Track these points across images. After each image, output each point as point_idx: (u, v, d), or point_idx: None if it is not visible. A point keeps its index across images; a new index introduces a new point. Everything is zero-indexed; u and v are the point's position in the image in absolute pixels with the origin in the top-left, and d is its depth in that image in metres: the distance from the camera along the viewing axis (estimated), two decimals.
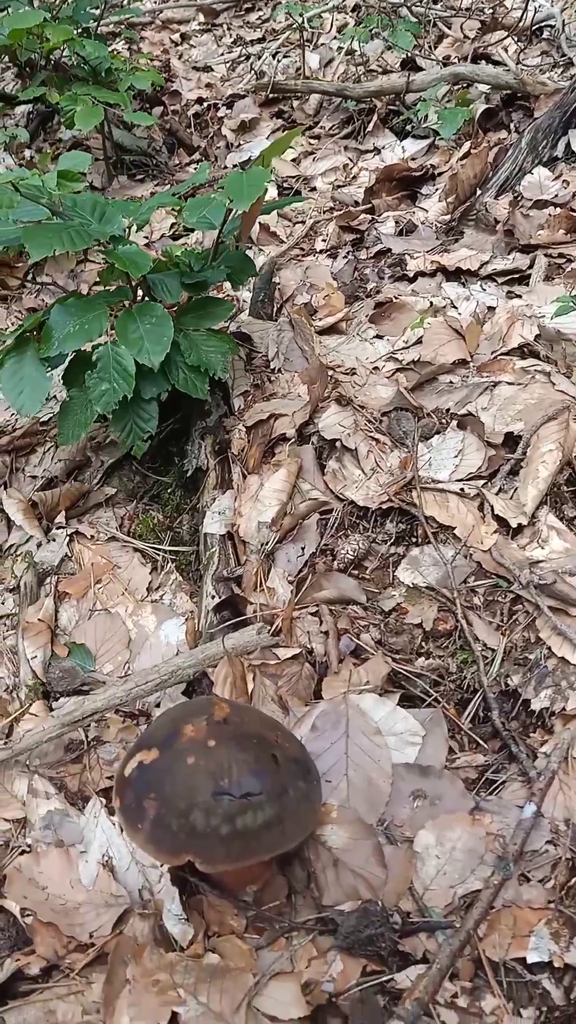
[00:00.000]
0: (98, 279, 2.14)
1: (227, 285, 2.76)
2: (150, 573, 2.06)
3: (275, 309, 2.55)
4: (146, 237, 3.34)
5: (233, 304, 2.05)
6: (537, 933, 1.34)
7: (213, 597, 1.85)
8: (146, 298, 2.01)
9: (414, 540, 1.88)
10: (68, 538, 2.15)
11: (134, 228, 2.06)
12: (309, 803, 1.34)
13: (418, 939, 1.35)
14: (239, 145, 3.89)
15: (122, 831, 1.48)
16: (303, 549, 1.91)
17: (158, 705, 1.79)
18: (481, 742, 1.59)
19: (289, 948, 1.35)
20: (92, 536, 2.14)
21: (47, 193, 1.89)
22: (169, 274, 2.01)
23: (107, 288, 2.03)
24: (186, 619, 1.94)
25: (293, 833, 1.30)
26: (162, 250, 2.15)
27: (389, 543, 1.88)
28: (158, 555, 2.10)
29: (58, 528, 2.18)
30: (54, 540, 2.16)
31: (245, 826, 1.24)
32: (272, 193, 3.22)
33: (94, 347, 1.93)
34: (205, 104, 4.37)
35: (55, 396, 2.56)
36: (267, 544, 1.91)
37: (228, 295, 2.75)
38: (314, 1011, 1.25)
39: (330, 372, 2.23)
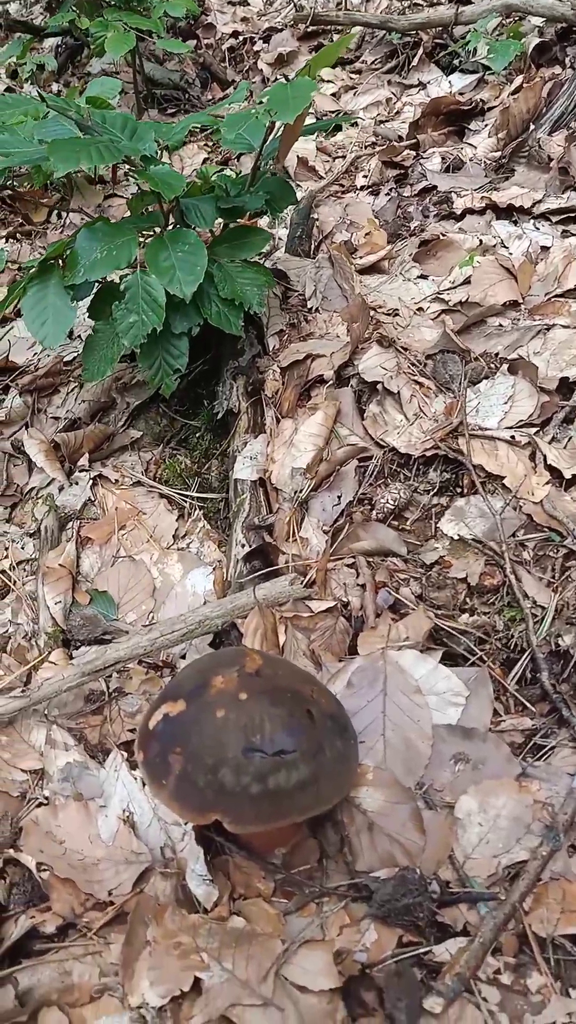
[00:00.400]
0: (127, 213, 2.01)
1: (263, 222, 2.62)
2: (176, 520, 1.96)
3: (313, 246, 2.41)
4: None
5: (271, 234, 1.92)
6: None
7: (243, 546, 1.75)
8: (178, 225, 1.87)
9: (459, 490, 1.76)
10: (91, 482, 2.05)
11: (166, 151, 1.93)
12: (346, 763, 1.25)
13: (458, 910, 1.26)
14: (276, 80, 3.69)
15: (144, 786, 1.40)
16: (339, 498, 1.80)
17: (183, 656, 1.70)
18: (528, 705, 1.49)
19: (319, 915, 1.27)
20: (116, 480, 2.04)
21: (75, 107, 1.76)
22: (203, 199, 1.87)
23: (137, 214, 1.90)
24: (214, 568, 1.84)
25: (328, 794, 1.21)
26: (195, 172, 2.01)
27: (432, 493, 1.76)
28: (185, 502, 2.00)
29: (81, 471, 2.08)
30: (77, 483, 2.06)
31: (278, 786, 1.15)
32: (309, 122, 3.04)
33: (122, 277, 1.81)
34: (240, 38, 4.17)
35: (79, 336, 2.45)
36: (301, 492, 1.80)
37: None
38: (346, 983, 1.17)
39: (371, 313, 2.09)
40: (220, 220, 1.95)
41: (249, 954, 1.21)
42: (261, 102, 1.72)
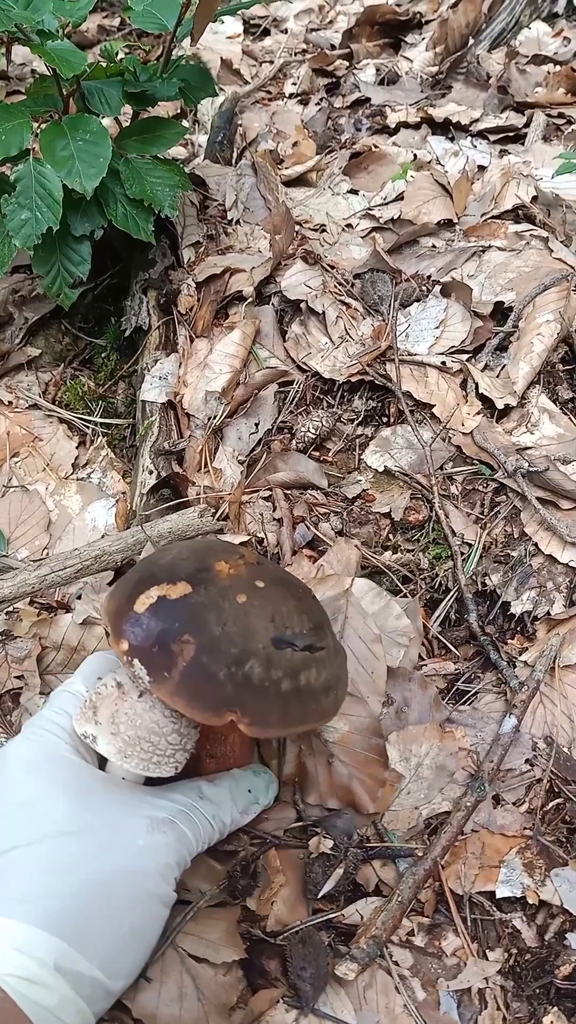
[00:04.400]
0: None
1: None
2: (77, 447, 1.77)
3: (235, 154, 2.20)
4: None
5: (185, 127, 1.71)
6: (508, 864, 1.16)
7: (151, 473, 1.58)
8: (80, 112, 1.65)
9: (385, 420, 1.63)
10: None
11: (68, 29, 1.69)
12: (345, 668, 1.11)
13: (370, 867, 1.16)
14: None
15: None
16: (257, 425, 1.65)
17: (79, 597, 1.53)
18: (452, 648, 1.39)
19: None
20: (10, 402, 1.83)
21: None
22: (109, 82, 1.65)
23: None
24: (117, 501, 1.67)
25: (342, 699, 1.05)
26: (99, 50, 1.78)
27: (356, 422, 1.63)
28: (87, 428, 1.81)
29: None
30: None
31: (308, 684, 0.96)
32: (237, 28, 2.80)
33: (13, 167, 1.59)
34: None
35: None
36: (215, 418, 1.64)
37: (185, 140, 2.38)
38: (249, 949, 1.06)
39: (297, 227, 1.92)
40: (130, 110, 1.74)
41: None
42: None
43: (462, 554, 1.42)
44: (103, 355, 1.89)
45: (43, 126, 1.59)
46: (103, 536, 1.55)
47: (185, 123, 2.37)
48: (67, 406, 1.84)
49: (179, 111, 2.34)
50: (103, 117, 1.64)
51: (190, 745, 0.95)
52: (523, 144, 2.18)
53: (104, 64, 1.66)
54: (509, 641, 1.39)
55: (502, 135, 2.21)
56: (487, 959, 1.09)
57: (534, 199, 1.93)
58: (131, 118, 1.75)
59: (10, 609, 1.48)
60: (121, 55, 1.74)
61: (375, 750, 1.20)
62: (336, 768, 1.19)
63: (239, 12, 2.99)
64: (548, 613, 1.37)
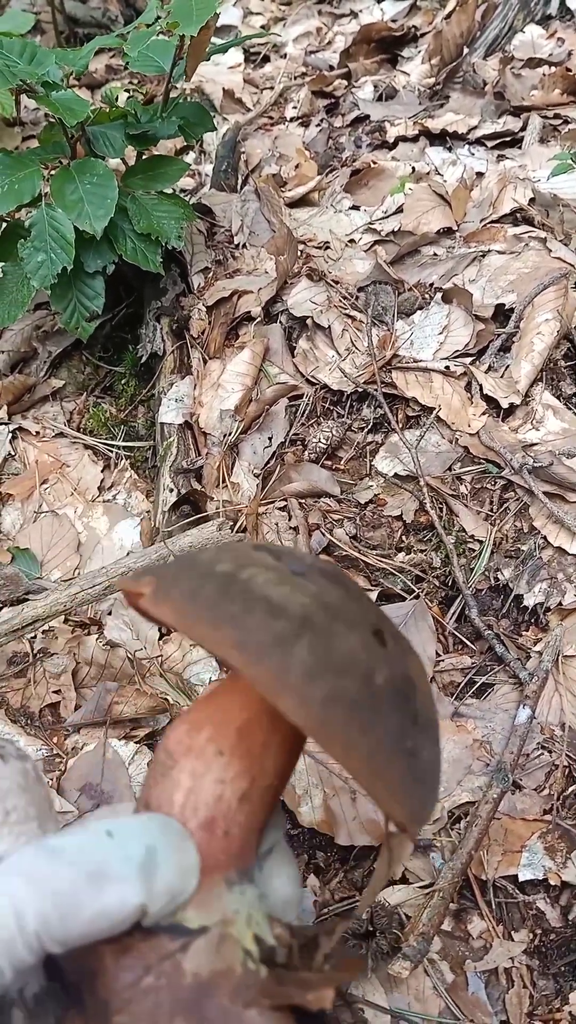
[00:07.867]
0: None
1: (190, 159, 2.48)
2: (102, 471, 1.85)
3: (240, 181, 2.28)
4: None
5: (187, 163, 1.79)
6: (530, 848, 1.20)
7: (171, 491, 1.66)
8: (86, 156, 1.74)
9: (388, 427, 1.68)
10: (11, 435, 1.93)
11: (71, 78, 1.79)
12: None
13: None
14: None
15: None
16: (270, 439, 1.71)
17: (110, 613, 1.61)
18: (468, 643, 1.43)
19: None
20: (38, 432, 1.93)
21: None
22: (112, 125, 1.74)
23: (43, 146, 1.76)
24: (141, 519, 1.75)
25: None
26: (102, 95, 1.87)
27: (366, 430, 1.68)
28: (111, 451, 1.89)
29: (0, 424, 1.96)
30: None
31: None
32: (238, 58, 2.89)
33: (28, 213, 1.69)
34: None
35: None
36: (230, 435, 1.71)
37: (193, 171, 2.47)
38: None
39: (301, 246, 1.98)
40: (134, 151, 1.83)
41: None
42: (166, 13, 1.60)
43: (471, 552, 1.46)
44: (123, 382, 1.98)
45: (53, 172, 1.68)
46: (128, 554, 1.63)
47: (192, 154, 2.47)
48: (91, 432, 1.93)
49: (185, 144, 2.43)
50: (108, 159, 1.74)
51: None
52: (520, 148, 2.22)
53: (106, 109, 1.76)
54: (524, 633, 1.42)
55: (499, 140, 2.26)
56: (512, 940, 1.13)
57: (531, 201, 1.97)
58: (136, 158, 1.83)
59: (46, 628, 1.56)
60: (124, 98, 1.83)
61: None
62: (361, 802, 1.21)
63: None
64: (560, 603, 1.41)
